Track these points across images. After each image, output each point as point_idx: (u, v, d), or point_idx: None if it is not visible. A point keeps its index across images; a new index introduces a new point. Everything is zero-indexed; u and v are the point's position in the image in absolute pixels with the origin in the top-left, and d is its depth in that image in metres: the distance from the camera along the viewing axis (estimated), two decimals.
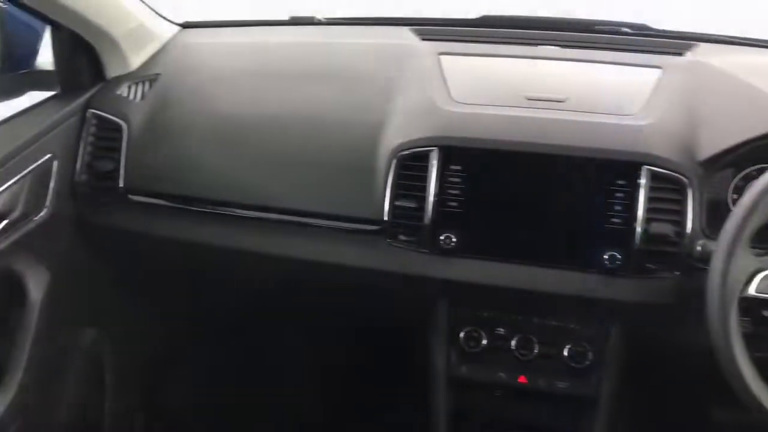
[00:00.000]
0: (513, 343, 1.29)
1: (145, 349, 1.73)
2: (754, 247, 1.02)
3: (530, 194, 1.22)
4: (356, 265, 1.30)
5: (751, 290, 1.00)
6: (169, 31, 1.57)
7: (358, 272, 1.30)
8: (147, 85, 1.45)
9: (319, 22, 1.65)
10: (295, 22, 1.65)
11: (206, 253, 1.39)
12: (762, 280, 1.00)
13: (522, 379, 1.30)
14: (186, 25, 1.63)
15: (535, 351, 1.28)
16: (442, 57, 1.40)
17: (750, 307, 1.08)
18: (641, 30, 1.56)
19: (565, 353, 1.27)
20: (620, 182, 1.17)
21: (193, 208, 1.35)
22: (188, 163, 1.35)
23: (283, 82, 1.41)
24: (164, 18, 1.57)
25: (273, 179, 1.32)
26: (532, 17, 1.66)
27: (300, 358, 1.88)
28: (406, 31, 1.54)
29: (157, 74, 1.46)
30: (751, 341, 1.11)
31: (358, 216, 1.27)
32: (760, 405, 0.98)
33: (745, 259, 1.00)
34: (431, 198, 1.21)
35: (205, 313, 1.75)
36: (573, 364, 1.27)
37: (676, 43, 1.47)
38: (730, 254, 0.99)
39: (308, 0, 1.75)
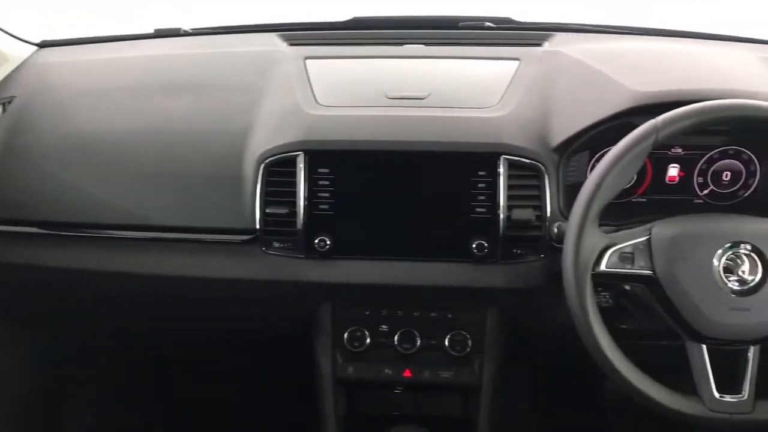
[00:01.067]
0: (396, 338, 1.31)
1: (30, 383, 1.66)
2: (603, 225, 1.07)
3: (398, 191, 1.24)
4: (234, 277, 1.28)
5: (603, 266, 1.05)
6: (23, 51, 1.51)
7: (236, 284, 1.29)
8: (0, 108, 1.39)
9: (185, 33, 1.63)
10: (160, 34, 1.61)
11: (78, 278, 1.34)
12: (611, 255, 1.05)
13: (407, 373, 1.32)
14: (43, 44, 1.57)
15: (418, 344, 1.31)
16: (309, 61, 1.41)
17: (606, 282, 1.14)
18: (504, 23, 1.61)
19: (446, 343, 1.30)
20: (481, 173, 1.21)
21: (57, 233, 1.30)
22: (49, 186, 1.30)
23: (144, 97, 1.38)
24: (17, 38, 1.50)
25: (139, 196, 1.28)
26: (399, 17, 1.68)
27: (190, 371, 1.85)
28: (273, 38, 1.54)
29: (12, 96, 1.40)
30: (612, 314, 1.18)
31: (230, 227, 1.26)
32: (618, 375, 1.03)
33: (594, 236, 1.05)
34: (302, 203, 1.22)
35: (87, 339, 1.69)
36: (454, 353, 1.30)
37: (535, 34, 1.53)
38: (579, 233, 1.04)
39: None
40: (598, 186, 1.04)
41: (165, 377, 1.94)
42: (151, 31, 1.63)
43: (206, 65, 1.45)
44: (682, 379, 1.11)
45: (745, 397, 1.02)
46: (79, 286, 1.39)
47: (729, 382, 1.03)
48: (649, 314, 1.13)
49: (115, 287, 1.37)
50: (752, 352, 1.03)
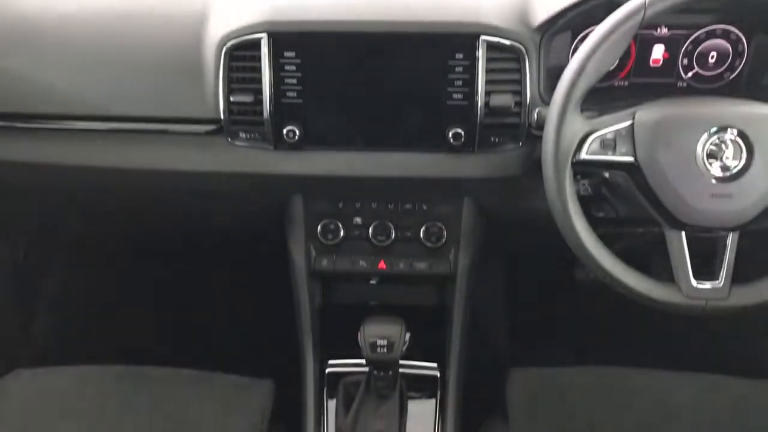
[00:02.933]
0: (370, 230, 1.28)
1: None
2: (584, 111, 1.02)
3: (370, 77, 1.17)
4: (200, 170, 1.23)
5: (584, 153, 1.01)
6: None
7: (203, 177, 1.24)
8: None
9: None
10: None
11: (36, 172, 1.28)
12: (593, 142, 1.01)
13: (382, 265, 1.30)
14: None
15: (393, 236, 1.28)
16: None
17: (586, 170, 1.11)
18: None
19: (421, 235, 1.28)
20: (459, 56, 1.14)
21: (9, 125, 1.22)
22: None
23: None
24: None
25: (94, 84, 1.20)
26: None
27: (164, 268, 1.84)
28: None
29: None
30: (591, 202, 1.16)
31: (194, 117, 1.19)
32: (595, 262, 1.02)
33: (576, 123, 1.00)
34: (268, 90, 1.15)
35: (53, 236, 1.66)
36: (429, 245, 1.28)
37: None
38: (560, 119, 0.99)
39: None
40: (582, 69, 0.99)
41: (139, 274, 1.93)
42: None
43: None
44: (656, 267, 1.11)
45: (721, 285, 1.02)
46: (39, 181, 1.33)
47: (705, 270, 1.03)
48: (629, 202, 1.11)
49: (76, 182, 1.31)
50: (731, 239, 1.02)
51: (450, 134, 1.16)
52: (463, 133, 1.16)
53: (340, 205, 1.29)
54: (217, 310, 1.93)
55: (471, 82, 1.14)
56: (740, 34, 1.21)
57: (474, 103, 1.15)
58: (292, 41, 1.14)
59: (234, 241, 1.66)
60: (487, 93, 1.14)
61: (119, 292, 1.91)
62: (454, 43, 1.14)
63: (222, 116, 1.17)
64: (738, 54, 1.22)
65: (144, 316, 1.89)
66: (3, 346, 1.76)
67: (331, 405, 1.27)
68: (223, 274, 1.91)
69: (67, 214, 1.53)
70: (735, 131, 0.99)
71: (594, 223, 1.04)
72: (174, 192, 1.32)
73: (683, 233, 1.02)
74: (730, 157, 1.00)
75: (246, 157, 1.20)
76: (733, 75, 1.23)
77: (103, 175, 1.26)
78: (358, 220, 1.29)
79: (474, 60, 1.14)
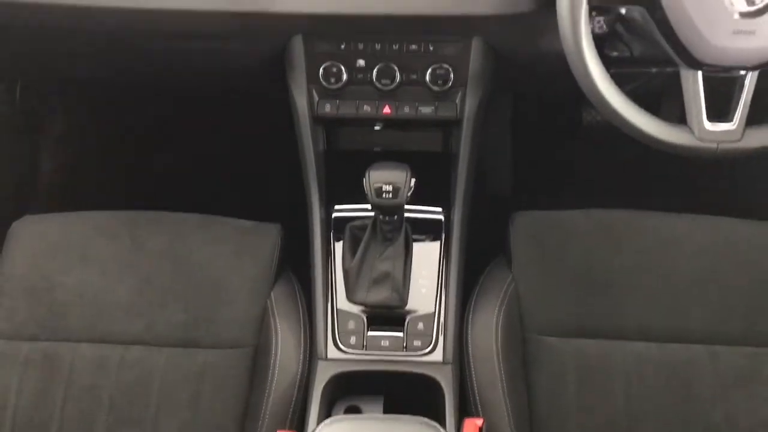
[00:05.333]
0: (374, 74, 1.24)
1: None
2: None
3: None
4: (197, 8, 1.17)
5: None
6: None
7: (200, 16, 1.17)
8: None
9: None
10: None
11: (21, 12, 1.22)
12: None
13: (387, 110, 1.27)
14: None
15: (397, 79, 1.24)
16: None
17: (602, 4, 1.04)
18: None
19: (427, 78, 1.24)
20: None
21: None
22: None
23: None
24: None
25: None
26: None
27: (167, 111, 1.82)
28: None
29: None
30: (605, 41, 1.11)
31: None
32: (607, 104, 0.99)
33: None
34: None
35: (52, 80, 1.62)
36: (436, 88, 1.24)
37: None
38: None
39: None
40: None
41: (144, 118, 1.90)
42: None
43: None
44: (667, 110, 1.08)
45: (735, 126, 0.99)
46: (27, 21, 1.27)
47: (719, 112, 1.00)
48: (645, 40, 1.06)
49: (65, 21, 1.25)
50: (749, 78, 0.98)
51: None
52: None
53: (342, 46, 1.23)
54: (223, 158, 1.92)
55: None
56: None
57: None
58: None
59: (236, 85, 1.62)
60: None
61: (122, 137, 1.90)
62: None
63: None
64: None
65: (150, 161, 1.89)
66: (11, 190, 1.77)
67: (338, 248, 1.29)
68: (227, 120, 1.89)
69: (57, 55, 1.48)
70: None
71: (607, 62, 0.99)
72: (170, 32, 1.26)
73: (700, 73, 0.98)
74: None
75: None
76: None
77: (94, 14, 1.20)
78: (361, 62, 1.24)
79: None
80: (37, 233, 1.29)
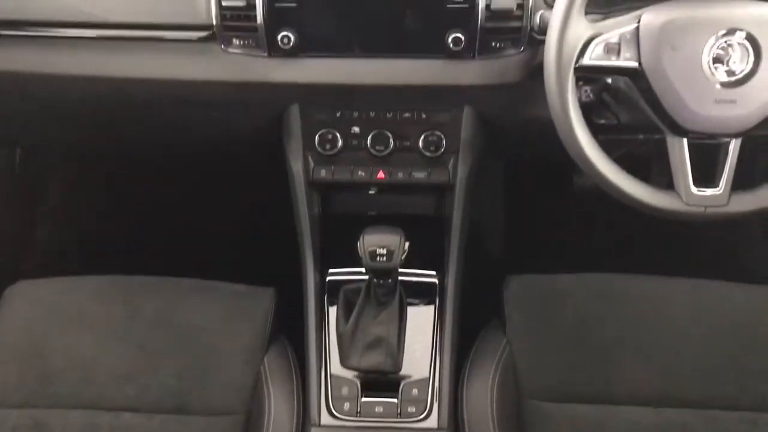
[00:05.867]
0: (368, 140, 1.27)
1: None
2: (589, 14, 0.99)
3: None
4: (194, 78, 1.20)
5: (587, 59, 0.99)
6: None
7: (198, 85, 1.21)
8: None
9: None
10: None
11: (32, 81, 1.25)
12: (596, 47, 0.98)
13: (381, 175, 1.29)
14: None
15: (391, 145, 1.27)
16: None
17: (589, 75, 1.08)
18: None
19: (420, 144, 1.27)
20: None
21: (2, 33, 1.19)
22: None
23: None
24: None
25: None
26: None
27: (163, 178, 1.84)
28: None
29: None
30: (592, 109, 1.14)
31: (186, 23, 1.15)
32: (596, 170, 1.01)
33: (580, 26, 0.97)
34: None
35: (51, 146, 1.64)
36: (428, 154, 1.27)
37: None
38: (564, 23, 0.96)
39: None
40: None
41: (140, 184, 1.92)
42: None
43: None
44: (655, 174, 1.10)
45: (721, 191, 1.01)
46: (30, 90, 1.30)
47: (706, 177, 1.02)
48: (631, 108, 1.09)
49: (68, 91, 1.29)
50: (733, 146, 1.01)
51: (450, 39, 1.13)
52: (463, 37, 1.13)
53: (338, 114, 1.26)
54: (218, 221, 1.94)
55: None
56: None
57: (475, 5, 1.11)
58: None
59: (233, 152, 1.64)
60: None
61: (118, 203, 1.92)
62: None
63: (214, 21, 1.13)
64: None
65: (144, 226, 1.90)
66: (6, 256, 1.77)
67: (332, 312, 1.29)
68: (223, 185, 1.91)
69: (60, 125, 1.51)
70: (744, 34, 0.96)
71: (594, 129, 1.02)
72: (167, 102, 1.30)
73: (685, 140, 1.01)
74: (737, 61, 0.97)
75: (240, 65, 1.17)
76: None
77: (95, 84, 1.24)
78: (356, 129, 1.27)
79: None
80: (30, 298, 1.29)
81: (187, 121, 1.40)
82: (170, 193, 1.92)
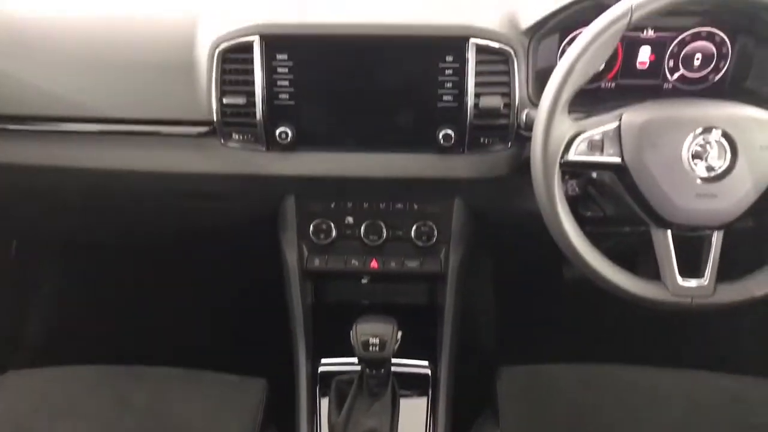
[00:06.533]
0: (362, 230, 1.30)
1: None
2: (572, 112, 1.04)
3: (362, 79, 1.18)
4: (193, 171, 1.24)
5: (571, 154, 1.03)
6: None
7: (196, 178, 1.25)
8: None
9: None
10: None
11: (26, 175, 1.28)
12: (581, 143, 1.03)
13: (374, 264, 1.31)
14: None
15: (384, 235, 1.30)
16: None
17: (574, 170, 1.13)
18: None
19: (413, 234, 1.30)
20: (449, 58, 1.16)
21: (3, 127, 1.23)
22: None
23: None
24: None
25: (86, 87, 1.21)
26: None
27: (156, 267, 1.84)
28: None
29: None
30: (578, 202, 1.18)
31: (187, 119, 1.20)
32: (584, 262, 1.04)
33: (564, 124, 1.02)
34: (260, 92, 1.16)
35: (47, 235, 1.66)
36: (420, 244, 1.30)
37: None
38: (549, 121, 1.01)
39: None
40: (570, 71, 1.00)
41: (132, 274, 1.93)
42: None
43: None
44: (643, 265, 1.13)
45: (706, 282, 1.04)
46: (30, 183, 1.33)
47: (691, 268, 1.05)
48: (616, 202, 1.13)
49: (68, 184, 1.32)
50: (716, 238, 1.04)
51: (440, 135, 1.18)
52: (453, 134, 1.18)
53: (332, 205, 1.30)
54: (210, 310, 1.93)
55: (461, 84, 1.16)
56: (724, 36, 1.23)
57: (464, 104, 1.16)
58: (285, 44, 1.16)
59: (226, 240, 1.67)
60: (477, 95, 1.16)
61: (112, 292, 1.92)
62: (444, 45, 1.16)
63: (215, 118, 1.18)
64: (722, 56, 1.24)
65: (137, 315, 1.89)
66: None
67: (324, 403, 1.28)
68: (216, 273, 1.92)
69: (59, 216, 1.54)
70: (719, 132, 1.01)
71: (581, 222, 1.05)
72: (167, 193, 1.33)
73: (669, 232, 1.04)
74: (715, 157, 1.02)
75: (239, 159, 1.21)
76: (718, 77, 1.26)
77: (95, 177, 1.27)
78: (350, 219, 1.30)
79: (464, 62, 1.15)
80: (19, 388, 1.27)
81: (182, 211, 1.43)
82: (163, 280, 1.92)
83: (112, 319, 1.86)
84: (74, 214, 1.48)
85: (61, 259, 1.87)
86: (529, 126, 1.10)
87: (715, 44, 1.23)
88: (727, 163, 1.02)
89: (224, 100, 1.17)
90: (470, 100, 1.16)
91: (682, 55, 1.24)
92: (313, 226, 1.30)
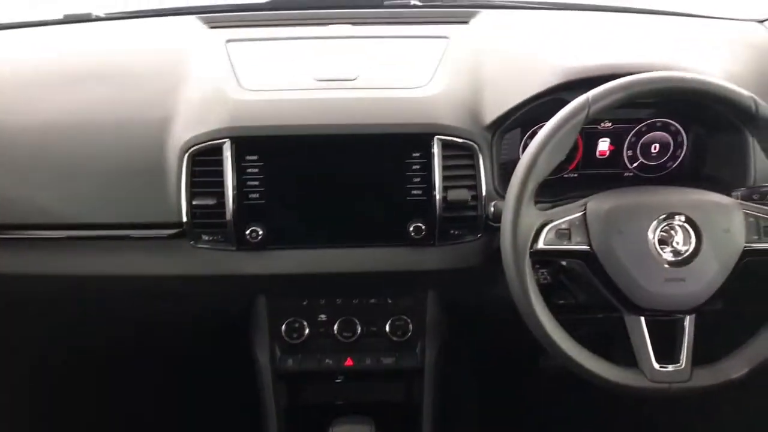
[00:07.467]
0: (335, 327, 1.28)
1: None
2: (538, 202, 1.06)
3: (330, 176, 1.20)
4: (163, 274, 1.22)
5: (540, 243, 1.04)
6: None
7: (166, 280, 1.23)
8: None
9: (97, 18, 1.53)
10: (70, 20, 1.52)
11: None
12: (548, 232, 1.05)
13: (348, 362, 1.29)
14: None
15: (358, 332, 1.28)
16: (230, 44, 1.35)
17: (544, 259, 1.14)
18: (429, 1, 1.58)
19: (387, 329, 1.29)
20: (415, 154, 1.19)
21: None
22: None
23: (56, 88, 1.29)
24: None
25: (55, 193, 1.20)
26: None
27: (125, 367, 1.79)
28: (192, 20, 1.47)
29: None
30: (551, 290, 1.18)
31: (156, 221, 1.19)
32: (560, 351, 1.03)
33: (531, 215, 1.04)
34: (231, 192, 1.16)
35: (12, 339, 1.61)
36: (395, 339, 1.29)
37: (461, 11, 1.51)
38: (516, 212, 1.03)
39: None
40: (533, 164, 1.03)
41: (98, 374, 1.87)
42: (59, 16, 1.53)
43: (121, 51, 1.37)
44: (618, 351, 1.12)
45: (683, 366, 1.04)
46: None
47: (667, 352, 1.05)
48: (587, 289, 1.14)
49: (36, 289, 1.29)
50: (688, 322, 1.05)
51: (411, 228, 1.19)
52: (423, 226, 1.19)
53: (305, 302, 1.29)
54: (181, 412, 1.86)
55: (429, 178, 1.18)
56: (679, 126, 1.28)
57: (432, 197, 1.18)
58: (255, 145, 1.17)
59: (197, 341, 1.63)
60: (445, 188, 1.18)
61: (79, 396, 1.84)
62: (410, 142, 1.19)
63: (184, 219, 1.18)
64: (678, 144, 1.29)
65: (106, 418, 1.81)
66: None
67: None
68: (187, 374, 1.86)
69: (25, 323, 1.50)
70: (683, 217, 1.04)
71: (555, 310, 1.06)
72: (136, 296, 1.31)
73: (642, 318, 1.05)
74: (680, 242, 1.04)
75: (209, 259, 1.20)
76: (676, 164, 1.30)
77: (64, 283, 1.25)
78: (323, 316, 1.29)
79: (430, 157, 1.18)
80: None
81: (151, 312, 1.40)
82: (132, 382, 1.86)
83: (79, 423, 1.78)
84: (43, 319, 1.44)
85: (27, 360, 1.81)
86: (497, 217, 1.12)
87: (670, 134, 1.28)
88: (693, 247, 1.04)
89: (194, 202, 1.17)
90: (438, 194, 1.18)
91: (639, 145, 1.29)
92: (286, 325, 1.28)
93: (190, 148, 1.17)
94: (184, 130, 1.19)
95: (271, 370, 1.30)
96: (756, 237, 1.05)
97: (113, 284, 1.25)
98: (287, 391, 1.34)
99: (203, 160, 1.17)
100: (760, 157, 1.15)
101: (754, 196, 1.15)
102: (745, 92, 1.04)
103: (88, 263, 1.21)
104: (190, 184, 1.17)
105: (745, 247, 1.04)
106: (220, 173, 1.16)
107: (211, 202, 1.17)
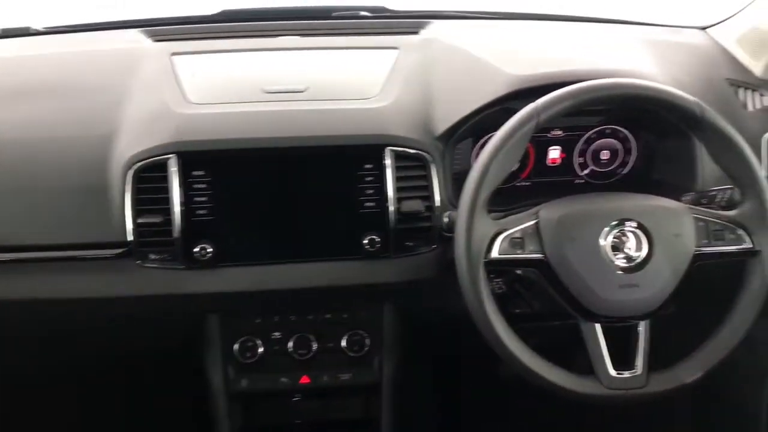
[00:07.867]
0: (290, 344, 1.25)
1: None
2: (491, 211, 1.05)
3: (281, 190, 1.17)
4: (108, 296, 1.18)
5: (495, 253, 1.03)
6: None
7: (112, 302, 1.18)
8: None
9: (36, 33, 1.48)
10: (7, 34, 1.46)
11: None
12: (502, 241, 1.04)
13: (305, 380, 1.26)
14: None
15: (314, 348, 1.26)
16: (175, 57, 1.32)
17: (499, 268, 1.13)
18: (379, 12, 1.57)
19: (344, 344, 1.26)
20: (367, 166, 1.17)
21: None
22: None
23: None
24: None
25: None
26: (271, 8, 1.62)
27: (75, 393, 1.73)
28: (136, 34, 1.43)
29: None
30: (506, 300, 1.17)
31: (100, 241, 1.15)
32: (516, 361, 1.02)
33: (484, 224, 1.03)
34: (177, 209, 1.13)
35: None
36: (352, 354, 1.26)
37: (411, 22, 1.51)
38: (469, 222, 1.02)
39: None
40: (484, 173, 1.02)
41: (51, 400, 1.80)
42: None
43: (62, 65, 1.33)
44: (575, 358, 1.12)
45: (639, 372, 1.04)
46: None
47: (623, 358, 1.05)
48: (542, 297, 1.13)
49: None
50: (643, 327, 1.05)
51: (365, 241, 1.17)
52: (378, 239, 1.17)
53: (258, 320, 1.25)
54: None
55: (381, 190, 1.17)
56: (627, 133, 1.30)
57: (386, 209, 1.17)
58: (201, 159, 1.14)
59: (150, 363, 1.58)
60: (398, 200, 1.16)
61: (31, 418, 1.77)
62: (362, 154, 1.17)
63: (129, 238, 1.14)
64: (627, 151, 1.30)
65: None
66: None
67: None
68: (140, 396, 1.81)
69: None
70: (634, 223, 1.04)
71: (511, 319, 1.05)
72: (83, 319, 1.26)
73: (597, 325, 1.04)
74: (633, 248, 1.04)
75: (156, 279, 1.16)
76: (626, 170, 1.31)
77: (12, 308, 1.19)
78: (277, 334, 1.26)
79: (382, 169, 1.16)
80: None
81: (99, 335, 1.35)
82: (82, 406, 1.80)
83: None
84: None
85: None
86: (451, 228, 1.11)
87: (619, 140, 1.30)
88: (645, 252, 1.04)
89: (140, 220, 1.13)
90: (392, 205, 1.16)
91: (590, 152, 1.30)
92: (239, 345, 1.25)
93: (134, 164, 1.13)
94: (127, 146, 1.15)
95: (225, 392, 1.26)
96: (706, 241, 1.06)
97: (60, 307, 1.20)
98: (242, 412, 1.30)
99: (148, 176, 1.13)
100: (707, 161, 1.16)
101: (703, 200, 1.17)
102: (690, 97, 1.05)
103: (32, 287, 1.16)
104: (135, 202, 1.13)
105: (696, 251, 1.05)
106: (166, 190, 1.13)
107: (157, 219, 1.13)
